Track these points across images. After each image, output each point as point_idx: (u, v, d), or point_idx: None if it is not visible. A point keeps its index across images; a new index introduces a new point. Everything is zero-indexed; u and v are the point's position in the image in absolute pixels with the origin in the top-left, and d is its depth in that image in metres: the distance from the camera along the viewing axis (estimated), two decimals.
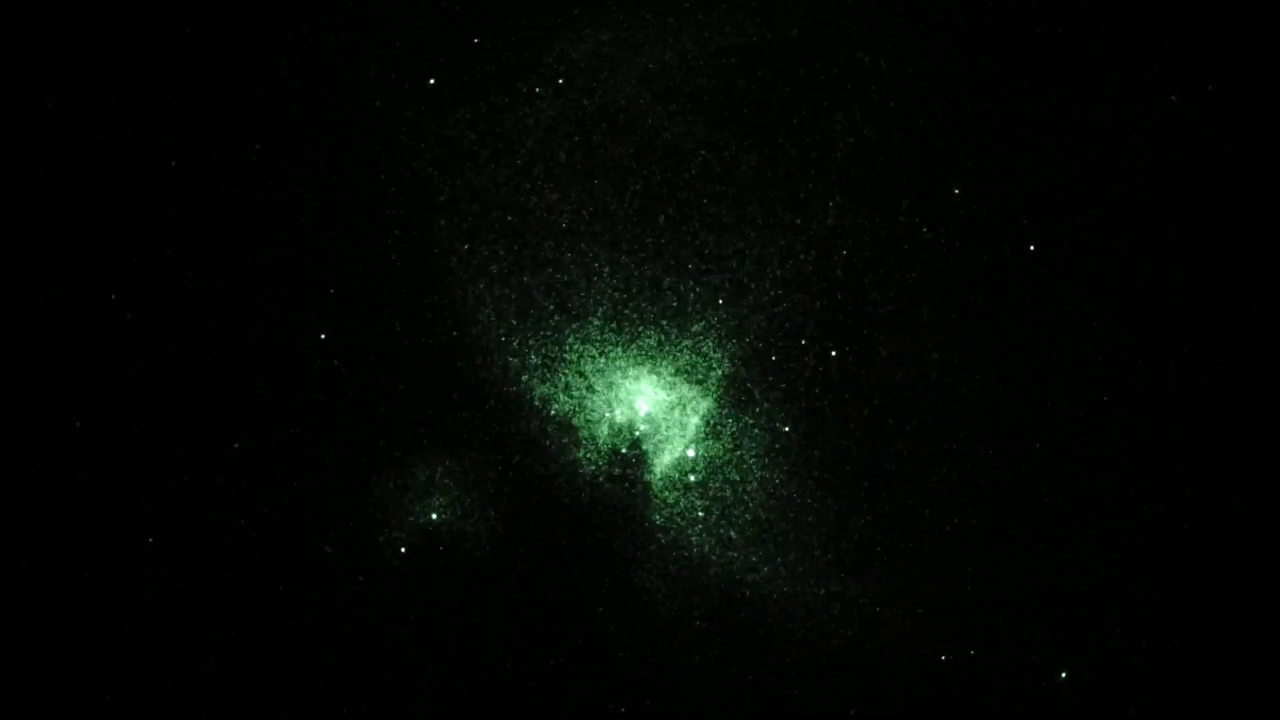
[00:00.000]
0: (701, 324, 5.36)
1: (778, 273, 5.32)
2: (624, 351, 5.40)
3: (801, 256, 5.32)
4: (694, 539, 5.40)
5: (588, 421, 5.44)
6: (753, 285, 5.33)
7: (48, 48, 5.30)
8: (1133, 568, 5.22)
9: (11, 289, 5.27)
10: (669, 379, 5.41)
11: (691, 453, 5.42)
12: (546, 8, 5.30)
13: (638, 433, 5.44)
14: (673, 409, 5.42)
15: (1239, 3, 5.21)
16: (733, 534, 5.40)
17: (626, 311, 5.36)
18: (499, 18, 5.33)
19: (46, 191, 5.29)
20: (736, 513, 5.39)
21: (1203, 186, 5.23)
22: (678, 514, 5.42)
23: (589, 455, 5.44)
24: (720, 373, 5.38)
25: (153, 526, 5.32)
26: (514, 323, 5.39)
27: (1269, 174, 5.20)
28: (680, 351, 5.38)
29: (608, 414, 5.44)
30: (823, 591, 5.34)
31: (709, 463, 5.41)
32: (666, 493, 5.42)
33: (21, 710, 5.20)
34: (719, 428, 5.40)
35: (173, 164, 5.37)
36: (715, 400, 5.39)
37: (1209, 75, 5.19)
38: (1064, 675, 5.19)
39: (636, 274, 5.35)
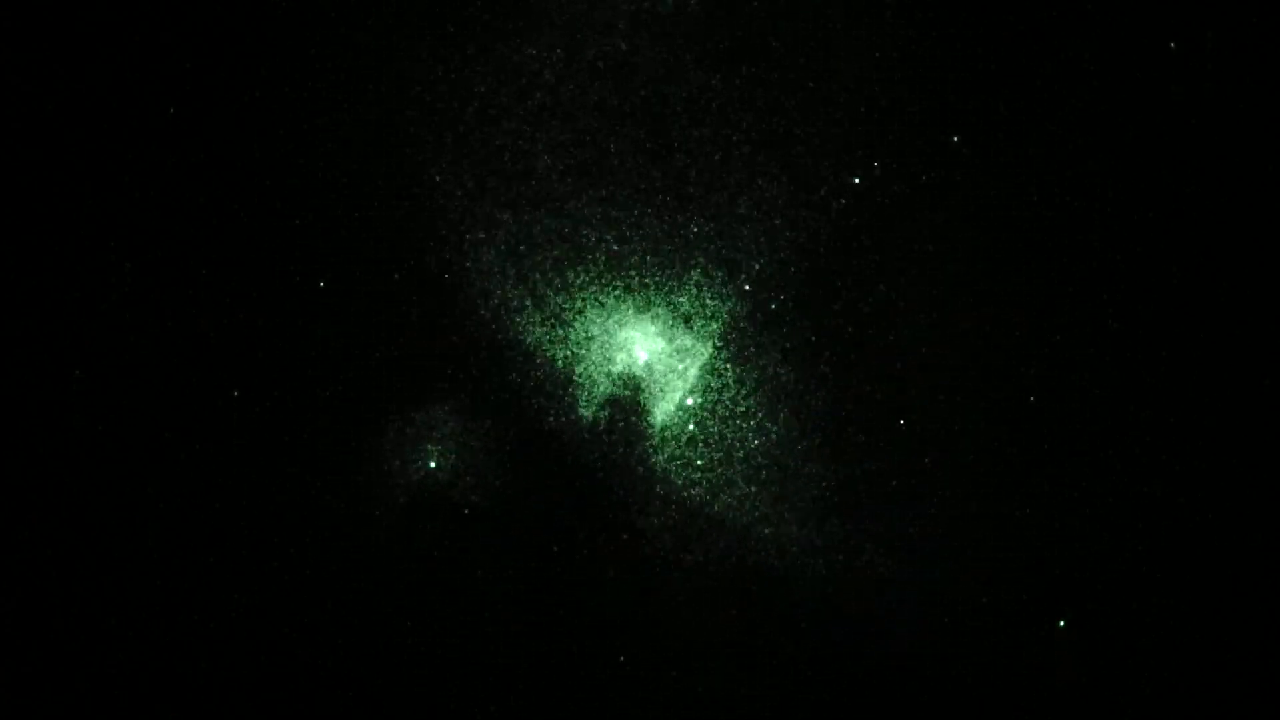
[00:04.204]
0: (701, 272, 5.33)
1: (778, 220, 5.28)
2: (623, 300, 5.38)
3: (802, 204, 5.28)
4: (694, 487, 5.40)
5: (587, 370, 5.42)
6: (752, 232, 5.30)
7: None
8: (1135, 514, 5.21)
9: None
10: (668, 327, 5.38)
11: (691, 401, 5.41)
12: None
13: (637, 381, 5.42)
14: (672, 357, 5.40)
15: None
16: (732, 481, 5.39)
17: (625, 260, 5.34)
18: None
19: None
20: (736, 460, 5.39)
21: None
22: (677, 462, 5.41)
23: (588, 404, 5.43)
24: (720, 321, 5.36)
25: (150, 479, 5.33)
26: (512, 272, 5.37)
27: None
28: (679, 300, 5.36)
29: (607, 363, 5.42)
30: (822, 537, 5.34)
31: (709, 411, 5.40)
32: (666, 441, 5.42)
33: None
34: (718, 376, 5.39)
35: (171, 112, 5.33)
36: (715, 349, 5.37)
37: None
38: (1062, 623, 5.20)
39: (635, 222, 5.31)
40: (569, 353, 5.42)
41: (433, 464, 5.40)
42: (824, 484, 5.33)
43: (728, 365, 5.38)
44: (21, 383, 5.29)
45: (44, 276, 5.29)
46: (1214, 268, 5.19)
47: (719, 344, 5.37)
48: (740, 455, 5.38)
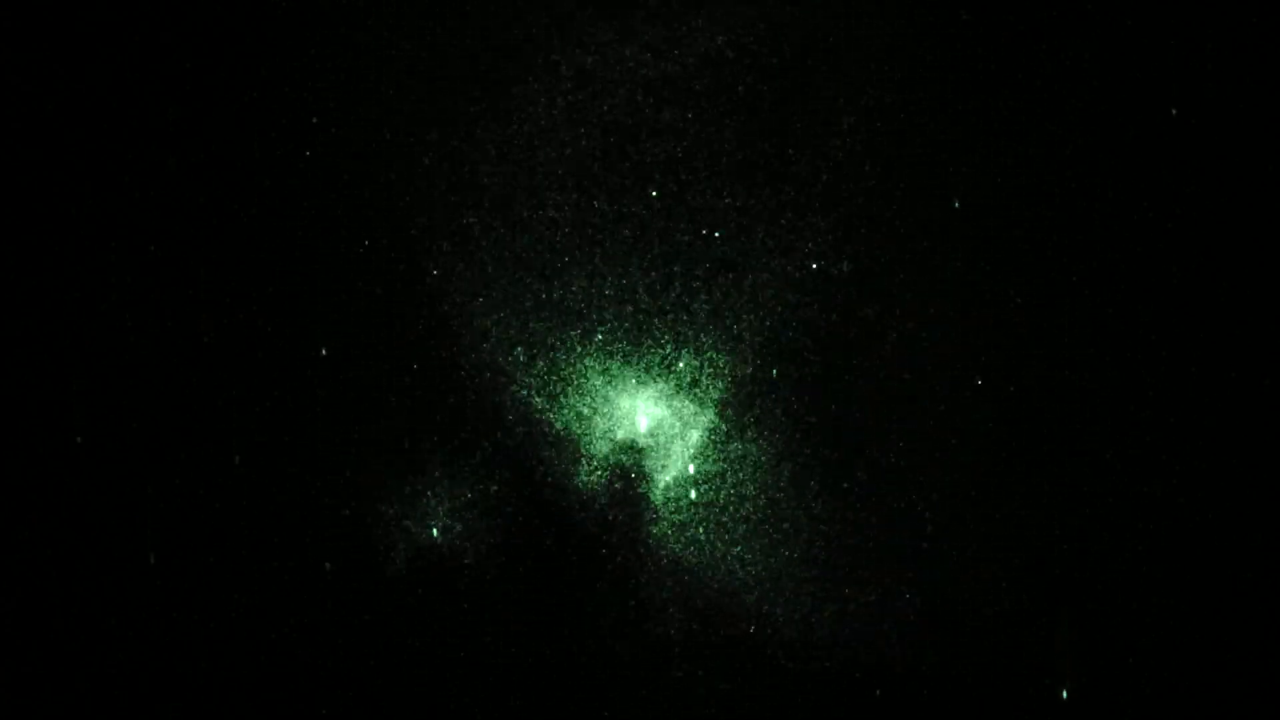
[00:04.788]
0: (703, 339, 5.32)
1: (780, 287, 5.28)
2: (625, 367, 5.37)
3: (804, 271, 5.28)
4: (695, 555, 5.39)
5: (588, 438, 5.41)
6: (755, 300, 5.29)
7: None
8: (1137, 581, 5.20)
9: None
10: (670, 395, 5.38)
11: (693, 469, 5.40)
12: (544, 12, 5.23)
13: (638, 449, 5.42)
14: (674, 425, 5.39)
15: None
16: (735, 550, 5.38)
17: (627, 326, 5.33)
18: (495, 23, 5.26)
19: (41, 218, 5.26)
20: (738, 529, 5.38)
21: (1204, 199, 5.19)
22: (679, 530, 5.40)
23: (589, 472, 5.42)
24: (722, 388, 5.35)
25: (152, 542, 5.31)
26: (513, 338, 5.36)
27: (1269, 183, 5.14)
28: (681, 367, 5.35)
29: (608, 430, 5.41)
30: (827, 607, 5.33)
31: (710, 479, 5.39)
32: (667, 509, 5.41)
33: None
34: (720, 444, 5.38)
35: (172, 169, 5.33)
36: (717, 416, 5.36)
37: (1210, 94, 5.13)
38: (1065, 694, 5.19)
39: (637, 288, 5.31)
40: (570, 419, 5.41)
41: (434, 532, 5.38)
42: (828, 554, 5.33)
43: (730, 433, 5.37)
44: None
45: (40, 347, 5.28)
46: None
47: (721, 411, 5.36)
48: (743, 524, 5.38)
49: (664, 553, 5.38)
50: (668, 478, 5.41)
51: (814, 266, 5.26)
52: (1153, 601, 5.18)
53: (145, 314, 5.31)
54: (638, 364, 5.36)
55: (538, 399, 5.38)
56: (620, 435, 5.42)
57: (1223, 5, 5.11)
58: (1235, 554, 5.15)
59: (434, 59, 5.30)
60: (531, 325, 5.35)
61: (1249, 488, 5.13)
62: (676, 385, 5.37)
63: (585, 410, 5.39)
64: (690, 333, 5.32)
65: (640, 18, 5.26)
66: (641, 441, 5.41)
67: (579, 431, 5.40)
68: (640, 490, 5.40)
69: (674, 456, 5.41)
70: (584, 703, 5.33)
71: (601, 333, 5.33)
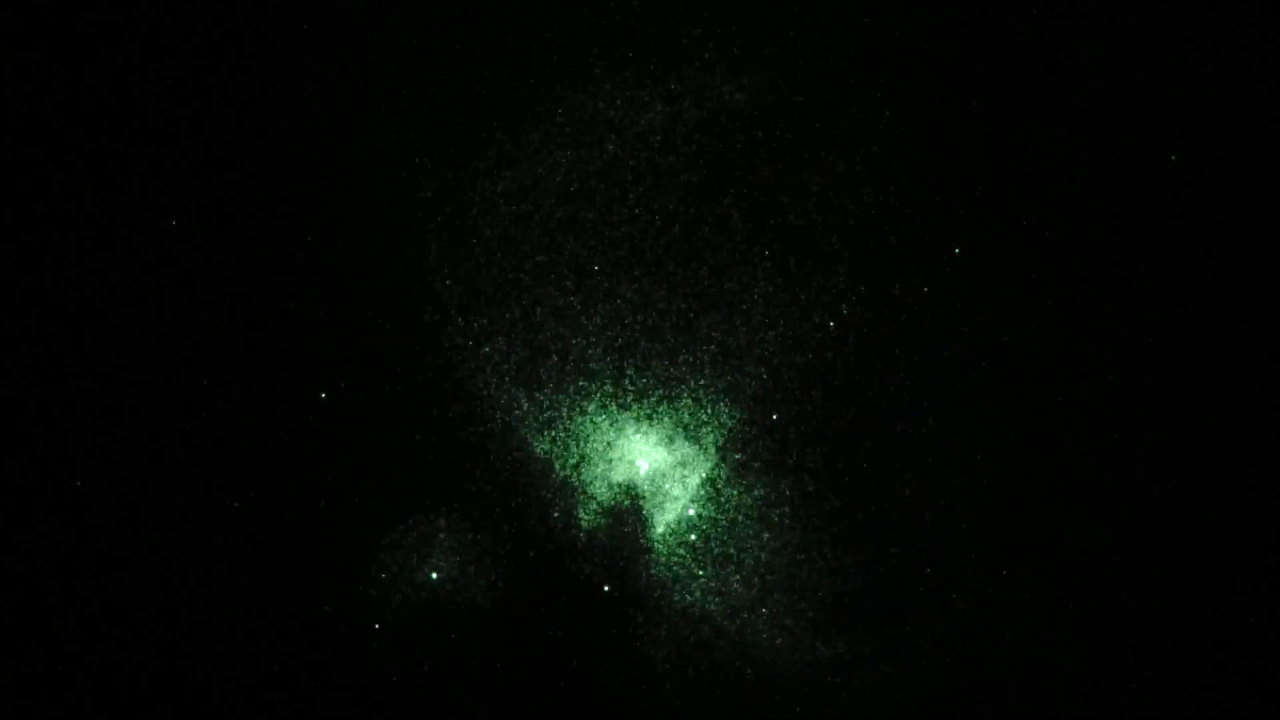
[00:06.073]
0: (703, 383, 5.35)
1: (780, 332, 5.32)
2: (625, 411, 5.39)
3: (803, 316, 5.32)
4: (694, 598, 5.42)
5: (588, 480, 5.44)
6: (754, 344, 5.33)
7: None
8: (1137, 637, 5.25)
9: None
10: (670, 438, 5.40)
11: (692, 511, 5.43)
12: (547, 67, 5.27)
13: (638, 491, 5.44)
14: (674, 468, 5.42)
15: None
16: (733, 591, 5.41)
17: (628, 371, 5.36)
18: (499, 76, 5.29)
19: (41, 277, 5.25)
20: (737, 572, 5.41)
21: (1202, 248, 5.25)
22: (678, 573, 5.43)
23: (590, 514, 5.44)
24: (721, 432, 5.38)
25: (151, 585, 5.30)
26: (514, 381, 5.38)
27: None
28: (681, 411, 5.38)
29: (609, 473, 5.44)
30: (823, 651, 5.36)
31: (710, 522, 5.42)
32: (667, 551, 5.43)
33: None
34: (720, 487, 5.41)
35: (173, 223, 5.32)
36: (716, 459, 5.39)
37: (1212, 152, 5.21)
38: None
39: (637, 333, 5.33)
40: (571, 462, 5.43)
41: (434, 574, 5.39)
42: (825, 595, 5.36)
43: (729, 476, 5.40)
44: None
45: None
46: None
47: (720, 455, 5.39)
48: (741, 565, 5.41)
49: (662, 594, 5.41)
50: (667, 521, 5.44)
51: (816, 313, 5.31)
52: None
53: (150, 351, 5.30)
54: (639, 408, 5.39)
55: (539, 441, 5.40)
56: (620, 478, 5.44)
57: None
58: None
59: (435, 115, 5.32)
60: (533, 369, 5.38)
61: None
62: (676, 429, 5.40)
63: (586, 453, 5.42)
64: (691, 377, 5.35)
65: (649, 67, 5.31)
66: (642, 485, 5.44)
67: (579, 475, 5.43)
68: (640, 533, 5.42)
69: (674, 500, 5.44)
70: None
71: (603, 377, 5.36)
